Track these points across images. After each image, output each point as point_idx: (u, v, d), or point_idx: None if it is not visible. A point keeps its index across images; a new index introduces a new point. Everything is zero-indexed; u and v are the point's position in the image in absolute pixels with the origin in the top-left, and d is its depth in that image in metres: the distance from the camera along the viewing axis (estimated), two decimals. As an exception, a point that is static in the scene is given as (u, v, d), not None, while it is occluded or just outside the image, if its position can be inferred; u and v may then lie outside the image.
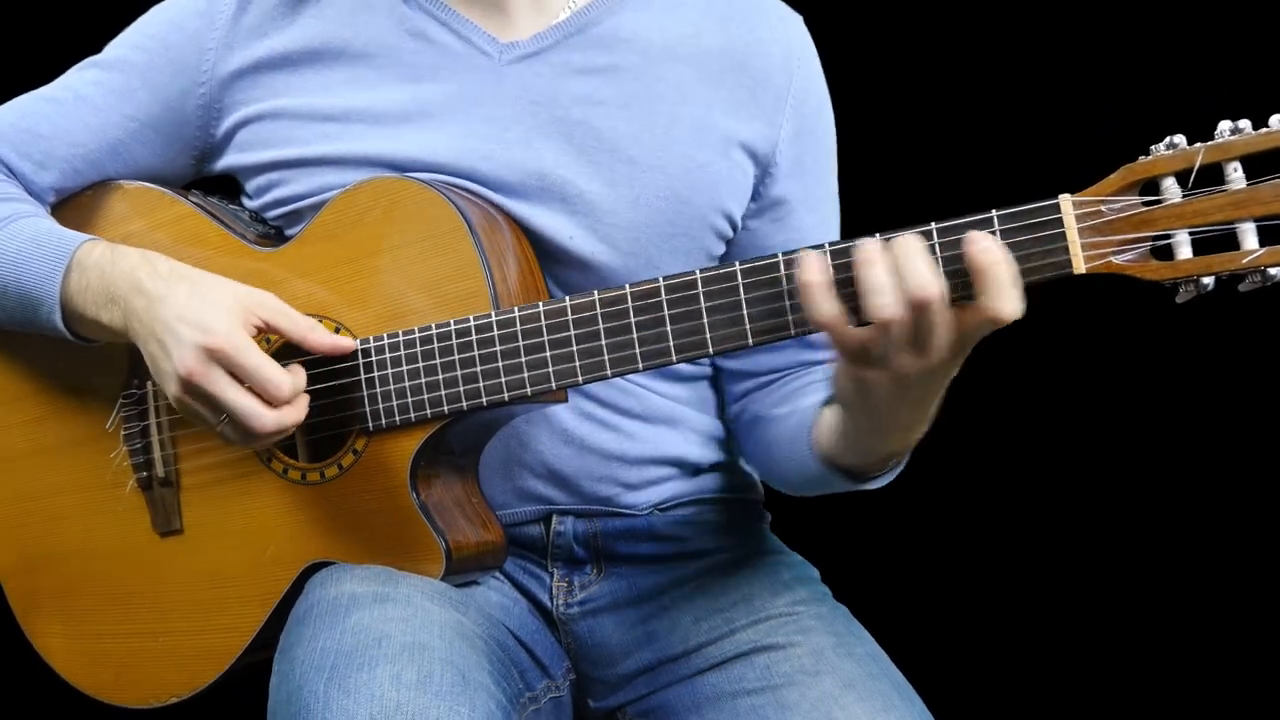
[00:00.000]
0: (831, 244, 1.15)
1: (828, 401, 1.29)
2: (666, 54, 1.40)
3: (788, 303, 1.18)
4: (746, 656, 1.39)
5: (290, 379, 1.28)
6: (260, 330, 1.30)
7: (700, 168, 1.39)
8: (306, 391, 1.32)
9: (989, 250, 1.08)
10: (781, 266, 1.18)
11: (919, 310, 1.09)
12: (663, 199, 1.37)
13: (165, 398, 1.35)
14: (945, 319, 1.10)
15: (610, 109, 1.38)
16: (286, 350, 1.34)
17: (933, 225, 1.13)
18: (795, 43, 1.45)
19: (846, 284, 1.12)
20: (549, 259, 1.37)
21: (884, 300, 1.09)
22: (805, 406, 1.35)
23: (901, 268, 1.09)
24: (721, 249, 1.44)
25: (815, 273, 1.12)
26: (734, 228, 1.43)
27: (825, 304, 1.12)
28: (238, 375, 1.27)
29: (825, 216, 1.49)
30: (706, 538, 1.49)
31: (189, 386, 1.28)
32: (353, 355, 1.33)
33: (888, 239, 1.12)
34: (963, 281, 1.10)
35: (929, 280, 1.08)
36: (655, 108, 1.38)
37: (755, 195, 1.43)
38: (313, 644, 1.22)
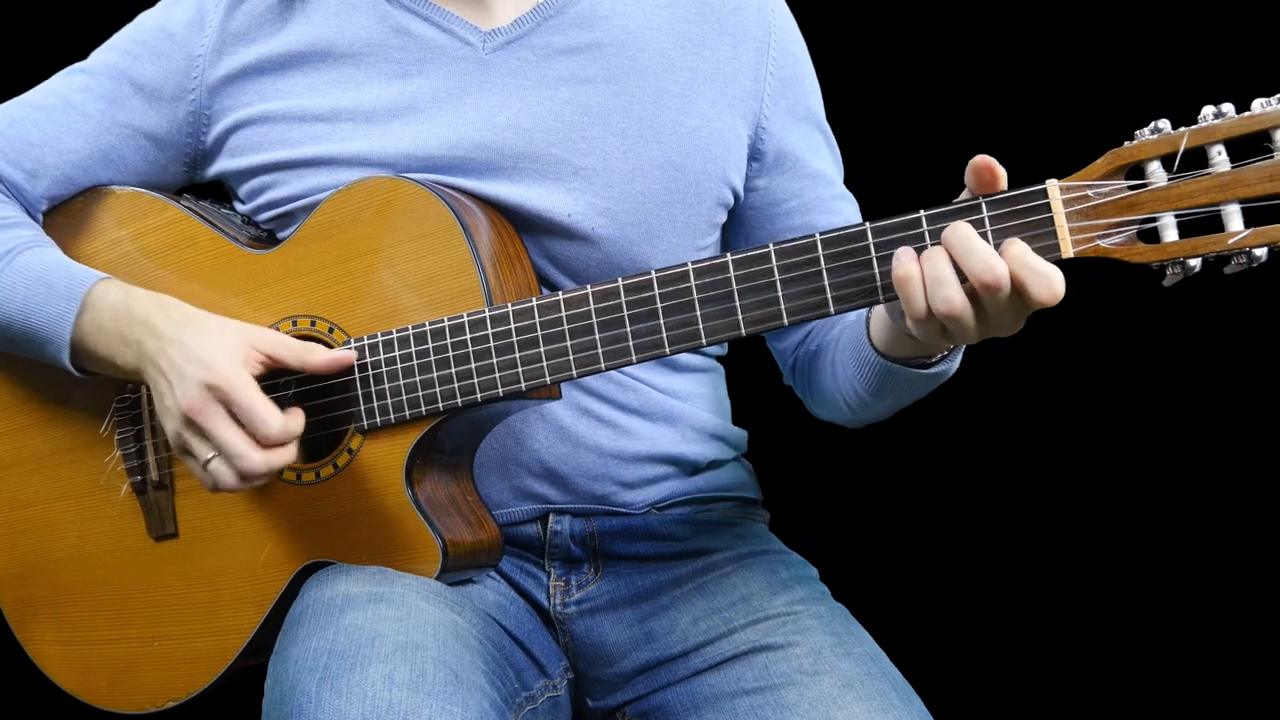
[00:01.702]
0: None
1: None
2: (645, 26, 1.42)
3: (780, 292, 1.19)
4: (745, 656, 1.38)
5: (283, 421, 1.28)
6: (265, 365, 1.31)
7: (691, 133, 1.40)
8: (300, 391, 1.32)
9: (998, 264, 1.09)
10: (773, 256, 1.19)
11: (988, 293, 1.10)
12: (658, 168, 1.39)
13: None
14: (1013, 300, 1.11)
15: (596, 85, 1.39)
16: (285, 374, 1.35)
17: (921, 213, 1.13)
18: None
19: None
20: (550, 237, 1.38)
21: (949, 292, 1.11)
22: (854, 320, 1.38)
23: (961, 256, 1.10)
24: (723, 217, 1.45)
25: (905, 265, 1.13)
26: (736, 196, 1.45)
27: (919, 300, 1.13)
28: (235, 414, 1.28)
29: (830, 158, 1.51)
30: (704, 537, 1.48)
31: (188, 422, 1.29)
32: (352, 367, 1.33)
33: (937, 220, 1.14)
34: None
35: (995, 262, 1.09)
36: (641, 79, 1.40)
37: (756, 154, 1.45)
38: (306, 644, 1.22)
